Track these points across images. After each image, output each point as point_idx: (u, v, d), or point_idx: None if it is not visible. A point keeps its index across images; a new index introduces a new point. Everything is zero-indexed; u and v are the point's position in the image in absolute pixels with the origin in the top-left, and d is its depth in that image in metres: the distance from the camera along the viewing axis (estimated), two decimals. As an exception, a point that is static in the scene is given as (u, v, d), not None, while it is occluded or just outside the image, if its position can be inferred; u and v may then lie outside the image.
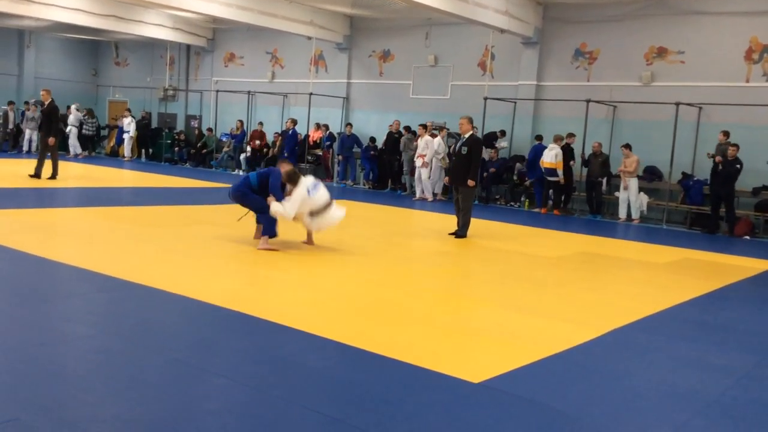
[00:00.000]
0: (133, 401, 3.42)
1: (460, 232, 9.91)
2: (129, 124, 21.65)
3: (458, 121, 10.36)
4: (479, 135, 15.47)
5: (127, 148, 21.71)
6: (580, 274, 8.08)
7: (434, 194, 15.84)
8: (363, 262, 7.81)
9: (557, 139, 14.72)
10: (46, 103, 13.68)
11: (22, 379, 3.60)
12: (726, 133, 13.34)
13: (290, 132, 17.84)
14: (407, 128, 17.03)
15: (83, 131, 22.23)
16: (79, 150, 21.49)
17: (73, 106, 21.96)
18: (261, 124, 20.07)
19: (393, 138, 17.24)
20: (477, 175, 10.14)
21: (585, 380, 4.27)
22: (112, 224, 8.93)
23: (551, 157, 14.50)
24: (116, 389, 3.57)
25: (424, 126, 16.14)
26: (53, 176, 13.39)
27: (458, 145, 10.15)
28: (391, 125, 17.54)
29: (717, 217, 13.05)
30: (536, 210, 15.09)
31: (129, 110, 22.29)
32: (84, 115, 22.46)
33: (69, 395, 3.48)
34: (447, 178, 10.81)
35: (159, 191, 14.03)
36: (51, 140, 13.26)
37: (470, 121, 10.14)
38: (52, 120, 13.51)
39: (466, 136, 10.02)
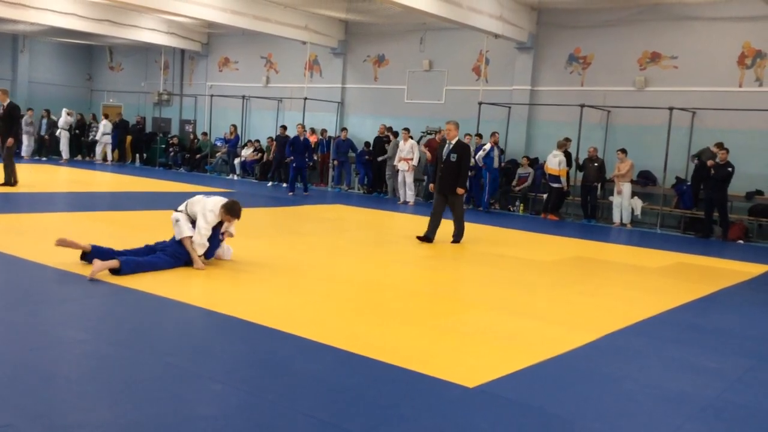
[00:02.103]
0: (126, 406, 3.41)
1: (456, 240, 9.82)
2: (104, 127, 21.68)
3: (445, 127, 9.90)
4: (480, 141, 15.50)
5: (106, 152, 21.75)
6: (575, 278, 8.08)
7: None
8: (355, 265, 7.81)
9: (561, 146, 14.70)
10: (5, 104, 12.79)
11: (16, 385, 3.58)
12: (719, 145, 13.27)
13: (301, 139, 16.99)
14: (396, 133, 16.96)
15: (90, 137, 22.24)
16: (66, 155, 21.44)
17: (64, 110, 21.93)
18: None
19: (381, 142, 17.21)
20: (466, 183, 9.94)
21: (579, 384, 4.28)
22: (103, 228, 8.90)
23: (555, 164, 14.50)
24: (110, 394, 3.56)
25: (408, 129, 16.14)
26: (10, 183, 12.57)
27: (445, 151, 9.66)
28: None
29: (710, 221, 13.10)
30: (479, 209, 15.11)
31: (106, 115, 22.21)
32: (87, 122, 22.45)
33: (62, 401, 3.47)
34: (432, 185, 10.27)
35: (151, 195, 13.98)
36: (10, 141, 12.53)
37: (457, 126, 9.79)
38: (14, 122, 12.86)
39: (453, 142, 9.62)
